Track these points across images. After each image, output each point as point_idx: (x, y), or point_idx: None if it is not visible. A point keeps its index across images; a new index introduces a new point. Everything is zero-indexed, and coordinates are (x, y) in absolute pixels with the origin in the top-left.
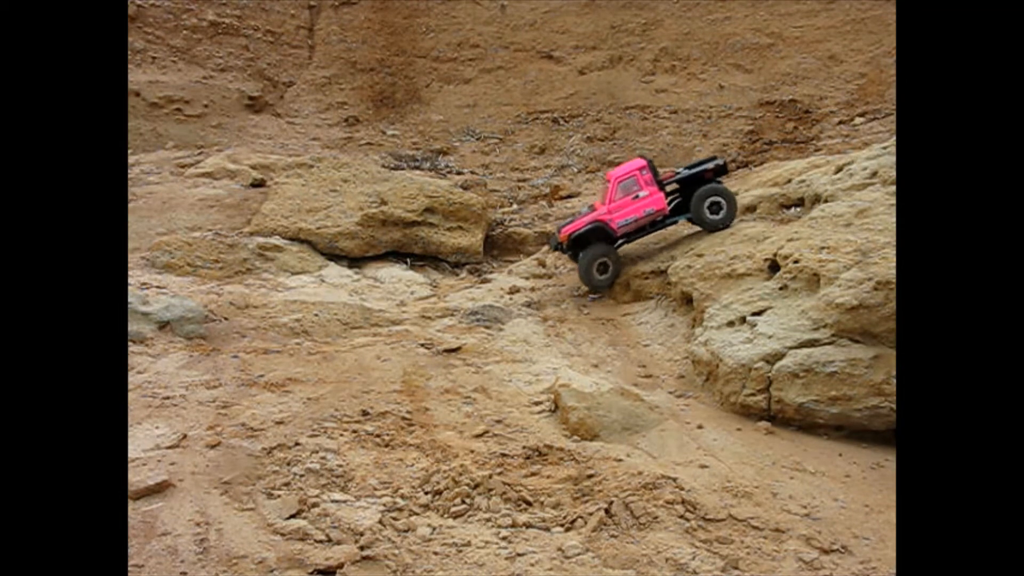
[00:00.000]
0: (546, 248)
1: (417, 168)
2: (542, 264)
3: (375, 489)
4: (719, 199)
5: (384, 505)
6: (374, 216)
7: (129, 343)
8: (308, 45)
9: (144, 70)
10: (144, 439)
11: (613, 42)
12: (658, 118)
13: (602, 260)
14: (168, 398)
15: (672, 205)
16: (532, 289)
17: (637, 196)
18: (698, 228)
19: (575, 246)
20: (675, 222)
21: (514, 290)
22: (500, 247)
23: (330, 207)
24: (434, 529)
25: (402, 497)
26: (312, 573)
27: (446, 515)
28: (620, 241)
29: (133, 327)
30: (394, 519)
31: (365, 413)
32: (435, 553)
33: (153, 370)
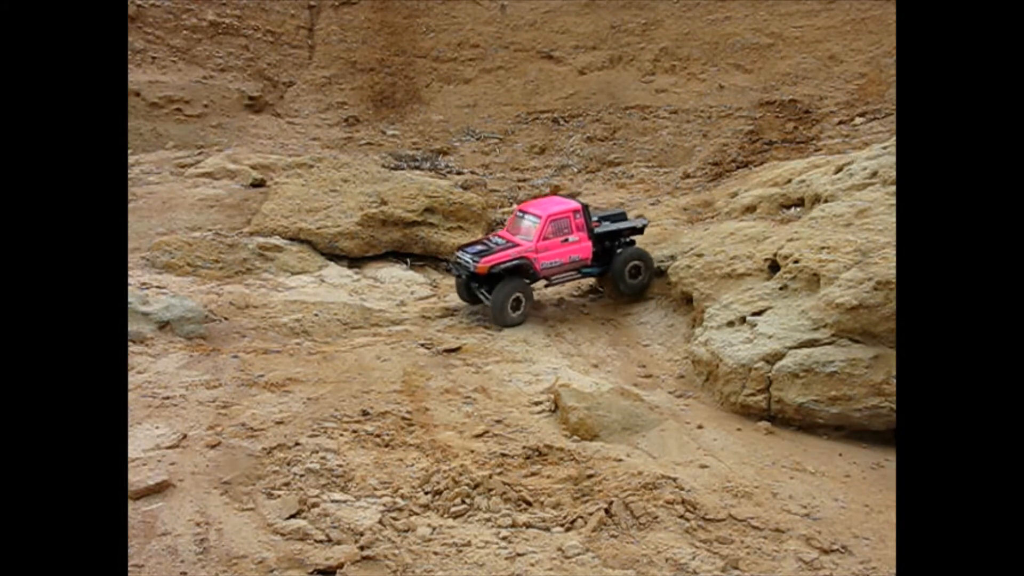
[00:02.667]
0: None
1: (417, 168)
2: None
3: (375, 489)
4: (640, 264)
5: (384, 505)
6: (374, 216)
7: (129, 343)
8: (308, 45)
9: (144, 70)
10: (144, 439)
11: (613, 42)
12: (658, 118)
13: (517, 296)
14: (168, 398)
15: None
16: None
17: (567, 240)
18: (691, 226)
19: (488, 279)
20: (594, 275)
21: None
22: None
23: (330, 207)
24: (434, 529)
25: (402, 497)
26: (312, 573)
27: (446, 515)
28: (533, 279)
29: (133, 327)
30: (394, 519)
31: (365, 413)
32: (435, 553)
33: (153, 370)
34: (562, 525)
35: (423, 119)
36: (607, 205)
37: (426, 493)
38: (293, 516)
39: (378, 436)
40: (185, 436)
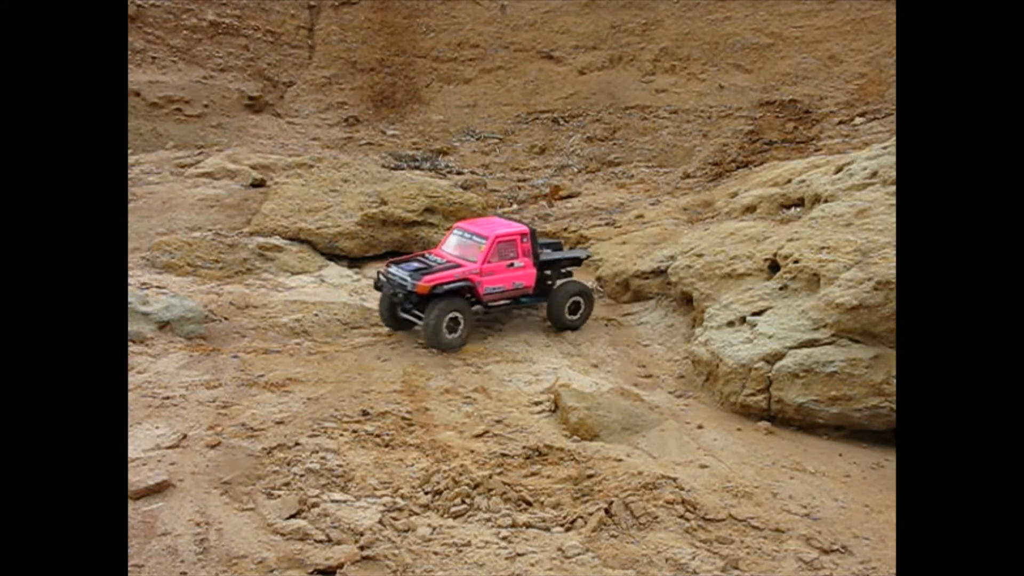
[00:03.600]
0: None
1: (417, 168)
2: None
3: (375, 489)
4: (581, 300)
5: (384, 505)
6: (374, 216)
7: (129, 343)
8: (308, 45)
9: (144, 70)
10: (144, 439)
11: (613, 42)
12: (658, 118)
13: (454, 315)
14: (168, 398)
15: None
16: None
17: (512, 264)
18: (691, 226)
19: (422, 298)
20: (532, 304)
21: None
22: None
23: (330, 207)
24: (434, 529)
25: (402, 497)
26: (312, 573)
27: (446, 515)
28: (472, 303)
29: (133, 327)
30: (394, 519)
31: (365, 413)
32: (435, 553)
33: (153, 370)
34: (562, 525)
35: (423, 119)
36: (608, 205)
37: (426, 493)
38: (293, 516)
39: (378, 436)
40: (185, 436)
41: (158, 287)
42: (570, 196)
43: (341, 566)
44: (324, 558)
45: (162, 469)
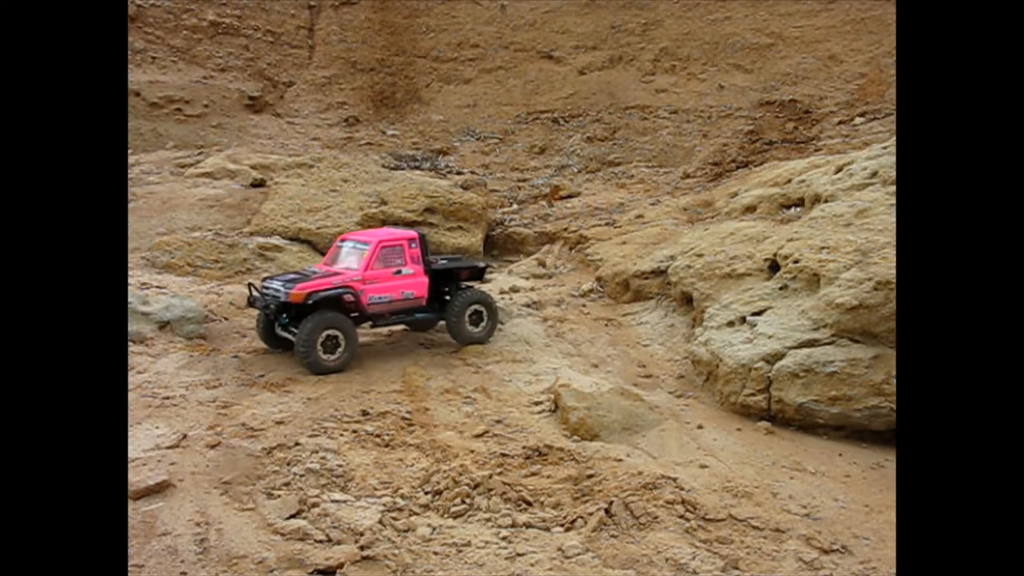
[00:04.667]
0: (546, 248)
1: (417, 168)
2: (542, 264)
3: (375, 489)
4: (482, 309)
5: (384, 505)
6: (374, 216)
7: (129, 343)
8: (308, 45)
9: (144, 70)
10: (144, 439)
11: (613, 42)
12: (658, 118)
13: (333, 334)
14: (168, 398)
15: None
16: (532, 289)
17: (400, 272)
18: (691, 226)
19: (299, 312)
20: (429, 320)
21: (514, 290)
22: (500, 247)
23: (330, 207)
24: (434, 529)
25: (402, 497)
26: (312, 573)
27: (446, 515)
28: (357, 319)
29: (133, 327)
30: (394, 519)
31: (365, 413)
32: (435, 553)
33: (153, 370)
34: (562, 525)
35: (423, 119)
36: (608, 205)
37: (426, 493)
38: (293, 516)
39: (378, 436)
40: (185, 436)
41: (158, 287)
42: (570, 196)
43: (341, 566)
44: (324, 558)
45: (162, 469)
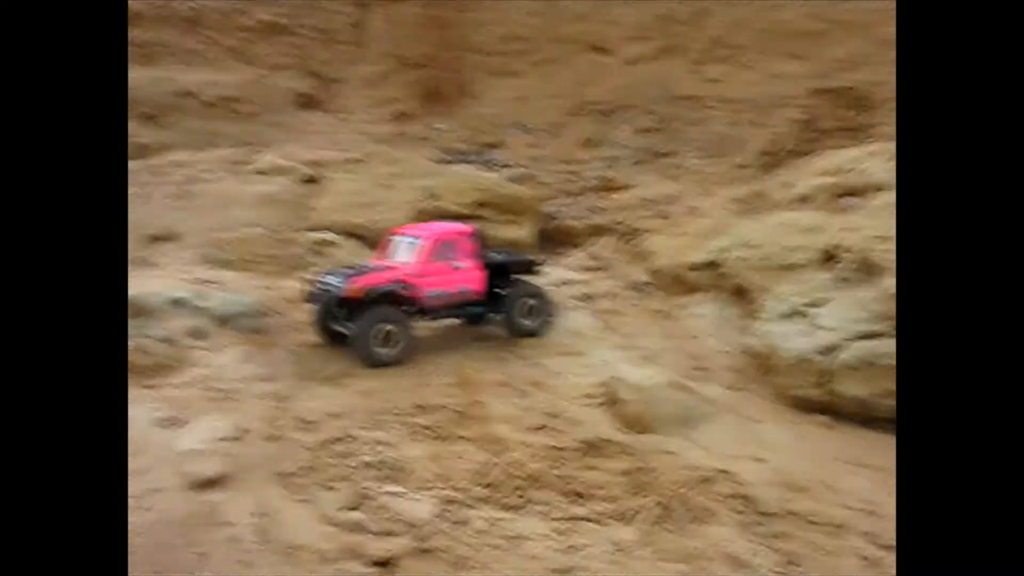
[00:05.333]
0: (603, 241)
1: (467, 162)
2: (594, 257)
3: (430, 482)
4: (534, 303)
5: (439, 498)
6: (426, 211)
7: (188, 338)
8: (358, 42)
9: (200, 71)
10: (204, 431)
11: (663, 32)
12: (710, 108)
13: (389, 328)
14: (227, 392)
15: None
16: (584, 282)
17: (456, 267)
18: (744, 217)
19: (354, 306)
20: (481, 316)
21: (566, 283)
22: (551, 240)
23: (382, 202)
24: (489, 522)
25: (457, 490)
26: (369, 564)
27: (501, 508)
28: (412, 313)
29: (192, 322)
30: (449, 512)
31: (420, 407)
32: (491, 546)
33: (212, 364)
34: (617, 519)
35: (473, 113)
36: (660, 197)
37: (481, 486)
38: (350, 508)
39: (433, 429)
40: (244, 429)
41: (216, 283)
42: (621, 188)
43: (398, 558)
44: (381, 550)
45: (223, 461)
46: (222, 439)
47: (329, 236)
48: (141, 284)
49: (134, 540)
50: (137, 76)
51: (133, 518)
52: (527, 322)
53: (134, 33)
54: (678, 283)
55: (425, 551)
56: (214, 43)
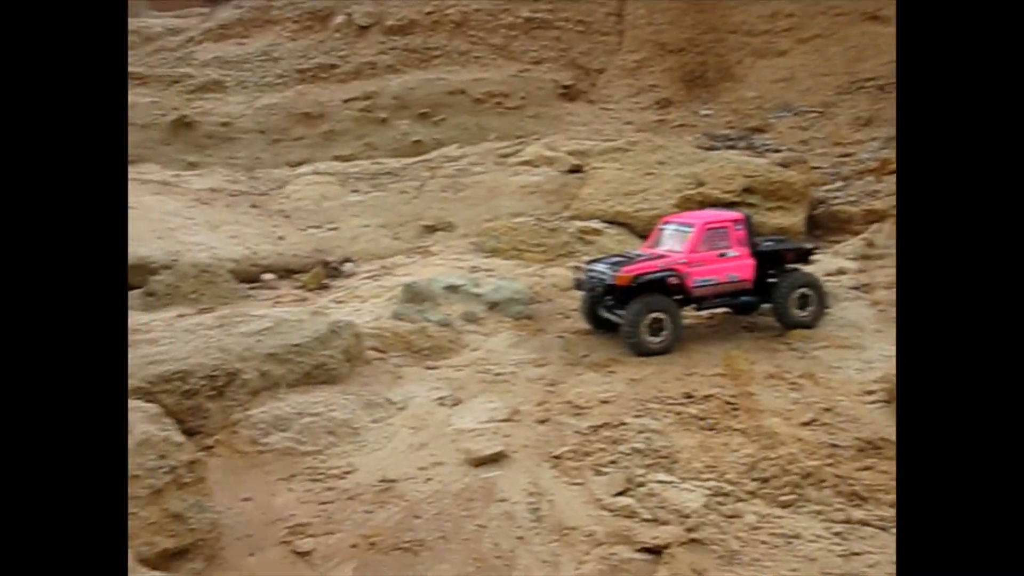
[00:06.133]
0: (875, 227)
1: (732, 147)
2: (871, 244)
3: (700, 472)
4: (809, 292)
5: (710, 489)
6: (691, 198)
7: (463, 322)
8: (617, 31)
9: (468, 70)
10: (480, 411)
11: None
12: None
13: (658, 316)
14: (500, 375)
15: None
16: (861, 271)
17: (724, 254)
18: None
19: (623, 294)
20: (754, 303)
21: (840, 272)
22: (823, 227)
23: (647, 190)
24: (761, 517)
25: (728, 482)
26: (639, 551)
27: (774, 504)
28: (681, 302)
29: (467, 307)
30: (720, 503)
31: (688, 396)
32: (763, 542)
33: (485, 348)
34: None
35: (736, 96)
36: None
37: (753, 480)
38: (620, 493)
39: (702, 419)
40: (516, 411)
41: (486, 270)
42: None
43: (668, 546)
44: (651, 537)
45: (498, 440)
46: (497, 420)
47: (595, 224)
48: (420, 271)
49: (420, 507)
50: (411, 79)
51: (418, 487)
52: (800, 313)
53: (408, 40)
54: None
55: (695, 541)
56: (481, 42)
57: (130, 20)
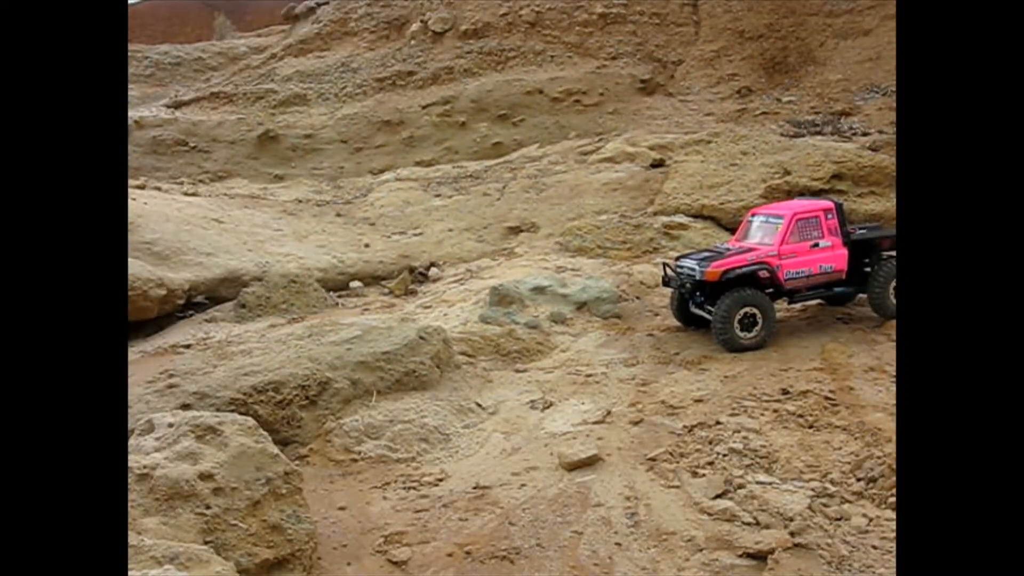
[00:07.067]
0: None
1: (818, 133)
2: None
3: (801, 472)
4: None
5: (812, 490)
6: (778, 187)
7: (551, 324)
8: (693, 21)
9: (545, 69)
10: (573, 414)
11: None
12: None
13: (750, 311)
14: (590, 376)
15: None
16: None
17: (816, 245)
18: None
19: (713, 290)
20: (849, 294)
21: None
22: None
23: (731, 181)
24: (870, 520)
25: (832, 482)
26: (742, 556)
27: (883, 506)
28: (773, 295)
29: (554, 308)
30: (824, 505)
31: (785, 392)
32: (873, 547)
33: (575, 348)
34: None
35: (820, 80)
36: None
37: (858, 480)
38: (719, 496)
39: (801, 416)
40: (609, 412)
41: (572, 270)
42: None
43: (772, 551)
44: (754, 542)
45: (591, 443)
46: (589, 422)
47: (680, 219)
48: (506, 273)
49: (514, 513)
50: (488, 81)
51: (512, 493)
52: (896, 302)
53: (483, 43)
54: None
55: (800, 546)
56: (556, 40)
57: (216, 43)
